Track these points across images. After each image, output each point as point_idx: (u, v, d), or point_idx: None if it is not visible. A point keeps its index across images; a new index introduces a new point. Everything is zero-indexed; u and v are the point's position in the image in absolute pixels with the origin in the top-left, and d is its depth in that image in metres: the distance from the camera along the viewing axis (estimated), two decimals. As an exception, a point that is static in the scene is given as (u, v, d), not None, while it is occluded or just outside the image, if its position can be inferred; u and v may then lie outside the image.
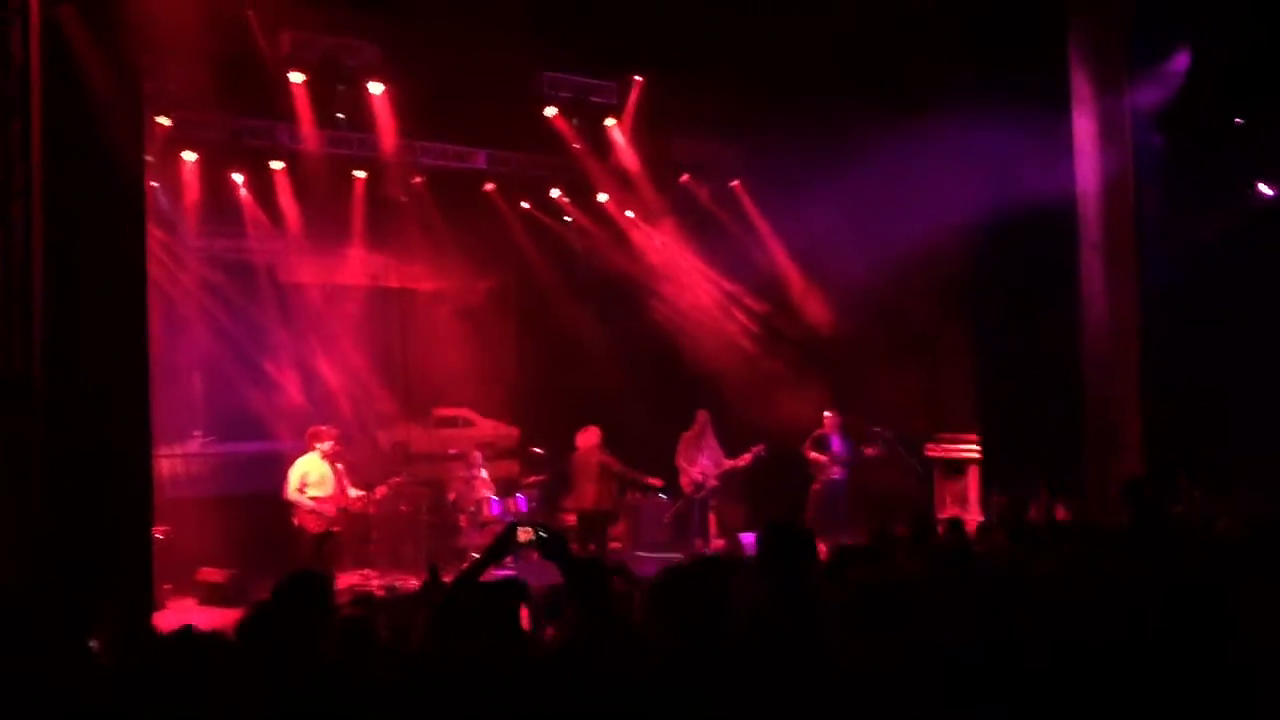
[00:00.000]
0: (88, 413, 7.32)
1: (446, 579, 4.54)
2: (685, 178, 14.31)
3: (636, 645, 3.79)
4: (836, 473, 12.25)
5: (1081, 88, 11.02)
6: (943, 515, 10.75)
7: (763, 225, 14.03)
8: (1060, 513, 7.70)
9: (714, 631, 3.78)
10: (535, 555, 3.90)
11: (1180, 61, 10.85)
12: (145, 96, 8.56)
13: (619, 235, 14.70)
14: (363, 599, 5.91)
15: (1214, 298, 10.68)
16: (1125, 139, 10.89)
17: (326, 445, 10.22)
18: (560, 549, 3.80)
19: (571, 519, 11.63)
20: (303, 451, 10.38)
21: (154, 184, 10.59)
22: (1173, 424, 10.35)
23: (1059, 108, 10.96)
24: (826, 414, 12.43)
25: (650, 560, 11.05)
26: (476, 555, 4.02)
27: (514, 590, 4.00)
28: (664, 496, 13.70)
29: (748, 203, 14.46)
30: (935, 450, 12.56)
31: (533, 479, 13.22)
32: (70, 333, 7.31)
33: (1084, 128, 11.02)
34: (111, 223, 7.65)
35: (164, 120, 10.75)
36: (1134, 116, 10.84)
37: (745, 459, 12.54)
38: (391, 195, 13.42)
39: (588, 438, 11.36)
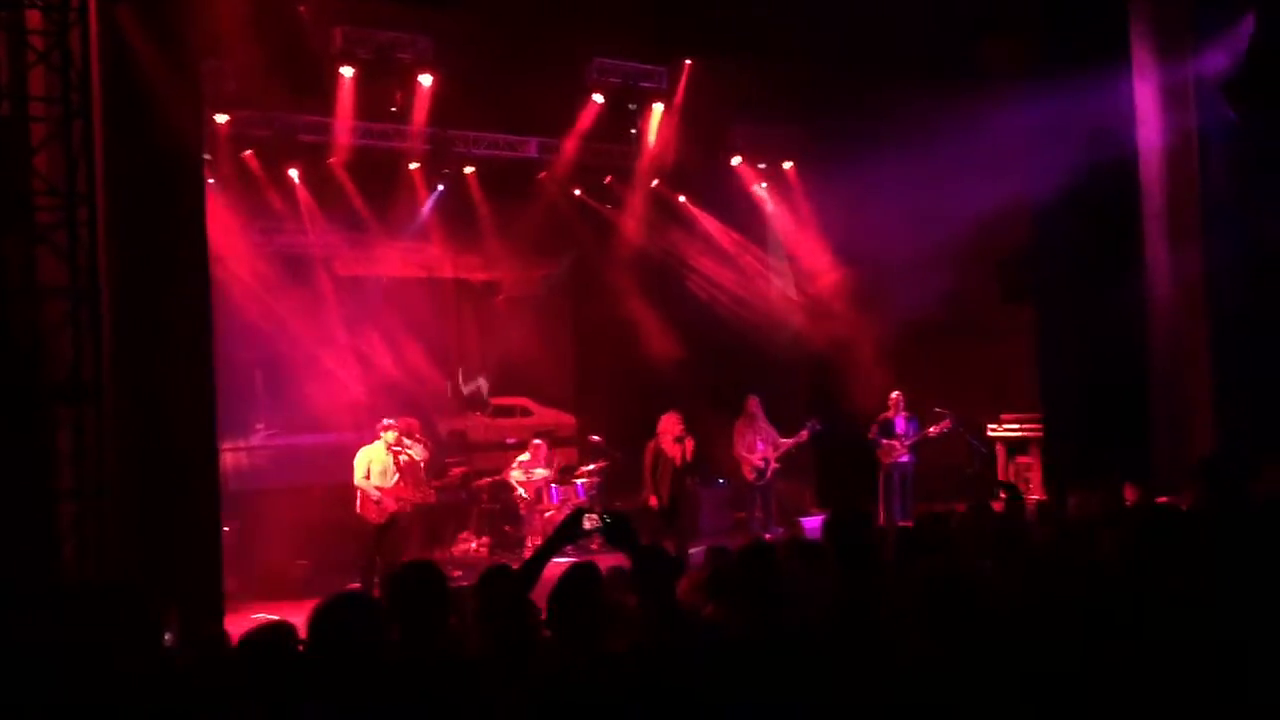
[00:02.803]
0: (156, 413, 7.42)
1: (511, 567, 4.53)
2: (738, 161, 14.23)
3: (702, 632, 3.77)
4: (903, 455, 12.12)
5: (1143, 55, 10.76)
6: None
7: (818, 207, 13.92)
8: (1129, 494, 7.53)
9: (775, 618, 3.76)
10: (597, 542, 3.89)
11: (1246, 26, 10.55)
12: (202, 94, 8.66)
13: (673, 220, 14.66)
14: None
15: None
16: (1189, 107, 10.63)
17: (390, 436, 10.30)
18: (626, 534, 3.78)
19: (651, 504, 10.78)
20: (365, 442, 10.47)
21: (212, 181, 10.73)
22: (1245, 399, 10.09)
23: (1120, 76, 10.71)
24: (892, 395, 12.30)
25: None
26: (538, 543, 4.01)
27: (586, 577, 3.96)
28: (723, 482, 13.67)
29: (802, 184, 14.36)
30: (998, 430, 12.38)
31: (591, 466, 13.25)
32: (137, 334, 7.42)
33: (1146, 96, 10.77)
34: (174, 222, 7.73)
35: (221, 118, 10.89)
36: (1198, 84, 10.57)
37: (802, 435, 12.44)
38: (446, 187, 13.50)
39: (670, 423, 10.79)
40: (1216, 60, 10.51)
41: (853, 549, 4.10)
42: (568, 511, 4.40)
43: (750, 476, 12.44)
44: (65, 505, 6.91)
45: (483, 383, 15.12)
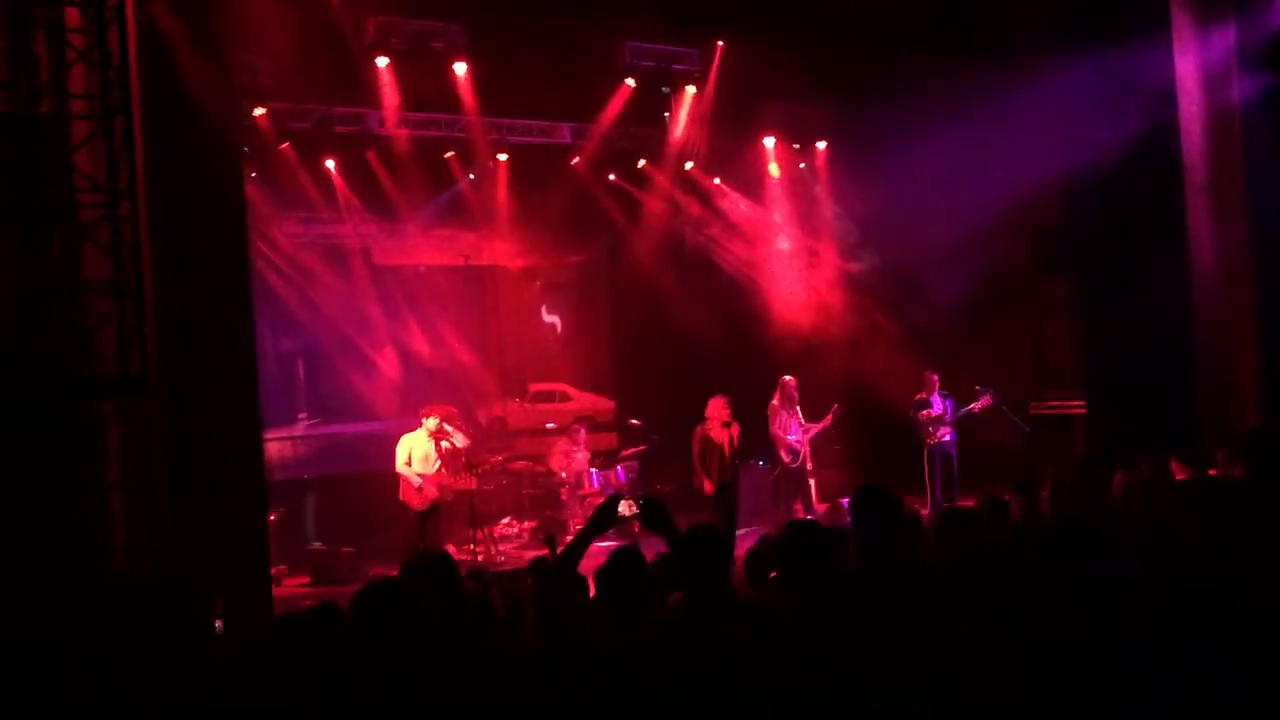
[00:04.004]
0: (202, 403, 7.53)
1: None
2: (772, 141, 14.16)
3: (748, 614, 3.78)
4: (945, 434, 12.05)
5: (1183, 24, 10.60)
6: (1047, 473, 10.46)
7: (852, 185, 13.84)
8: (1175, 469, 7.45)
9: (819, 597, 3.75)
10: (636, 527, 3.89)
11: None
12: (239, 88, 8.74)
13: (707, 202, 14.62)
14: (476, 573, 5.99)
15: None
16: (1231, 76, 10.46)
17: (432, 423, 10.34)
18: (664, 520, 3.79)
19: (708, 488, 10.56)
20: (406, 429, 10.55)
21: (252, 174, 10.82)
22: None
23: (1160, 46, 10.55)
24: (926, 376, 12.22)
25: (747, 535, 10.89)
26: (579, 526, 4.02)
27: (629, 562, 3.99)
28: (763, 464, 13.65)
29: (836, 164, 14.28)
30: (1041, 408, 12.27)
31: (631, 450, 13.27)
32: (182, 326, 7.51)
33: (1186, 66, 10.61)
34: (215, 215, 7.82)
35: (258, 111, 10.98)
36: (1240, 53, 10.39)
37: (826, 421, 12.40)
38: (480, 174, 13.54)
39: (718, 407, 10.57)
40: (1258, 29, 10.33)
41: (879, 527, 4.07)
42: (608, 495, 4.41)
43: (786, 458, 12.41)
44: (115, 497, 7.03)
45: (530, 357, 15.04)
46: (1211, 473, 7.12)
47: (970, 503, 8.04)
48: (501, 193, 13.77)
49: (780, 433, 12.32)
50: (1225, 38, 10.41)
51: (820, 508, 12.25)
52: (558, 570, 4.01)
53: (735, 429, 10.49)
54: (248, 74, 9.87)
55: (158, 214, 7.42)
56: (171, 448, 7.34)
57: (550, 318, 15.60)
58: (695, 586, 3.77)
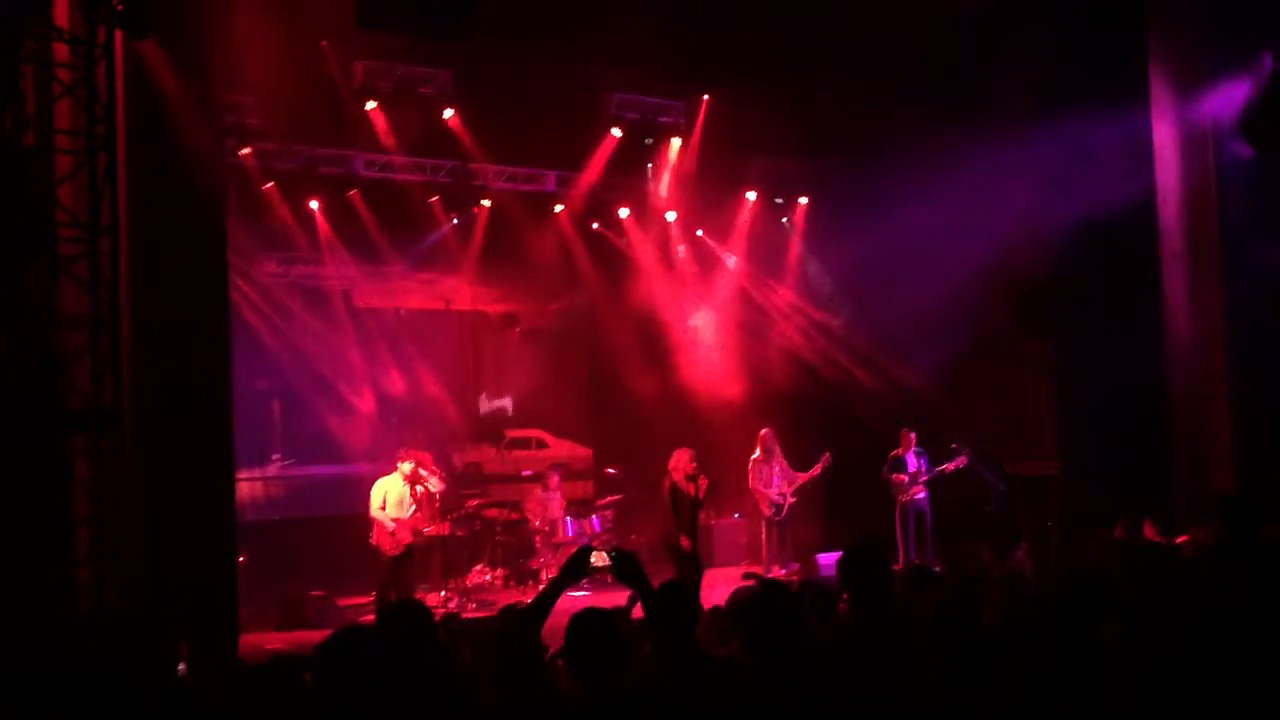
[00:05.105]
0: (174, 442, 7.47)
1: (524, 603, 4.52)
2: (754, 195, 14.27)
3: (717, 672, 3.74)
4: (919, 492, 12.06)
5: (1161, 93, 10.77)
6: (1023, 533, 10.47)
7: (833, 242, 13.93)
8: (1149, 531, 7.48)
9: (791, 657, 3.72)
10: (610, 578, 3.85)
11: (1264, 64, 10.56)
12: (224, 128, 8.76)
13: (690, 254, 14.68)
14: (446, 621, 5.92)
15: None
16: (1207, 145, 10.61)
17: (407, 467, 10.28)
18: (635, 572, 3.76)
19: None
20: (381, 473, 10.48)
21: (235, 213, 10.81)
22: (1265, 439, 10.01)
23: (1139, 114, 10.72)
24: (903, 433, 12.24)
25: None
26: (553, 575, 3.98)
27: (600, 621, 3.95)
28: (738, 516, 13.62)
29: (817, 220, 14.38)
30: (1018, 468, 12.27)
31: (607, 499, 13.22)
32: (156, 364, 7.47)
33: (1164, 134, 10.77)
34: (195, 253, 7.80)
35: (244, 150, 11.00)
36: (1217, 122, 10.57)
37: (815, 470, 12.40)
38: (464, 219, 13.58)
39: (683, 460, 10.39)
40: (1235, 98, 10.51)
41: (868, 585, 4.05)
42: (581, 544, 4.37)
43: (768, 512, 12.38)
44: (83, 531, 6.94)
45: (507, 403, 15.07)
46: (1183, 538, 7.14)
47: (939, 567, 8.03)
48: (484, 238, 13.80)
49: (760, 487, 12.30)
50: (1202, 107, 10.58)
51: (794, 564, 12.20)
52: (526, 620, 3.95)
53: (702, 482, 10.37)
54: (235, 113, 9.92)
55: (138, 249, 7.41)
56: (142, 484, 7.27)
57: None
58: (664, 642, 3.73)
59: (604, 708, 3.28)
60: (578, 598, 8.81)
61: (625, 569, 3.73)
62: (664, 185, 13.49)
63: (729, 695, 3.32)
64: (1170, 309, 10.77)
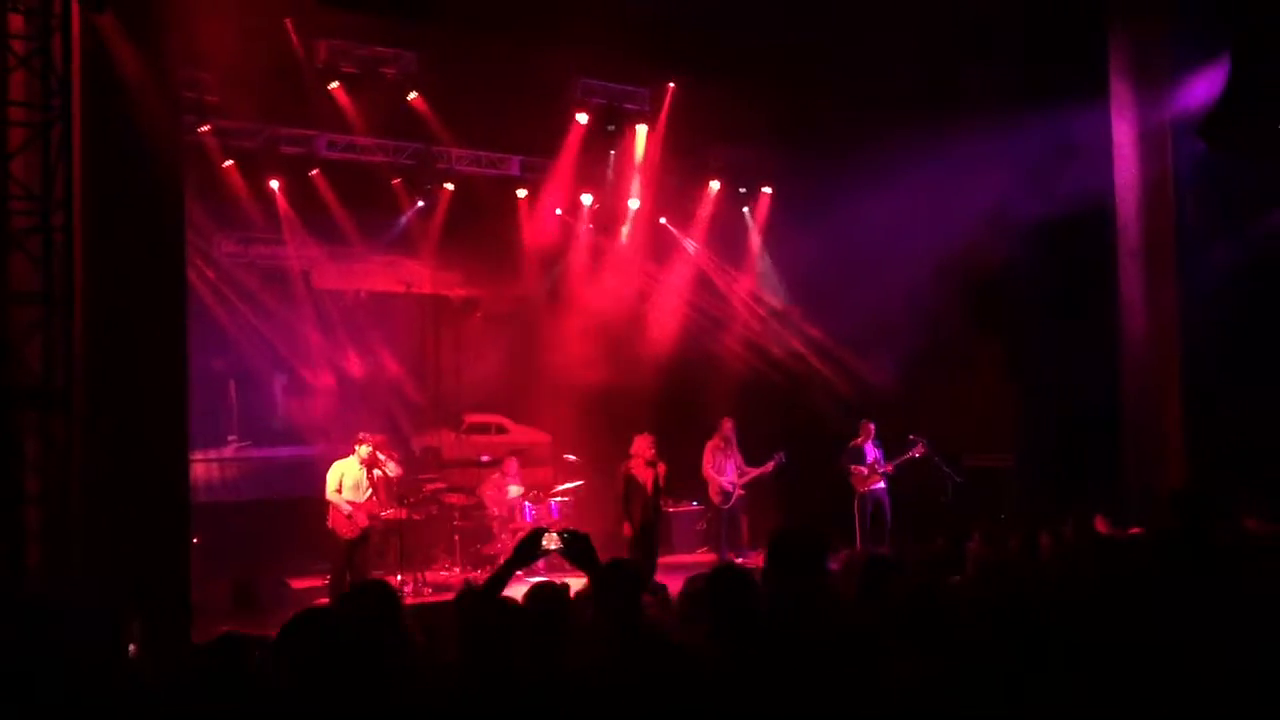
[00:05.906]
0: (127, 422, 7.35)
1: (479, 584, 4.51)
2: (718, 184, 14.28)
3: (669, 654, 3.76)
4: (877, 482, 12.16)
5: (1121, 93, 10.90)
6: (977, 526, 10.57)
7: (795, 233, 13.99)
8: (1100, 525, 7.57)
9: (745, 640, 3.75)
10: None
11: (1222, 68, 10.70)
12: (184, 104, 8.63)
13: (652, 241, 14.69)
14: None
15: (1258, 306, 10.49)
16: (1165, 145, 10.75)
17: (365, 451, 10.22)
18: (585, 554, 3.76)
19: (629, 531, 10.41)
20: (338, 455, 10.41)
21: (192, 192, 10.68)
22: (1217, 436, 10.17)
23: (1098, 113, 10.84)
24: (862, 424, 12.33)
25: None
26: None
27: (552, 597, 3.96)
28: (696, 504, 13.66)
29: (780, 210, 14.43)
30: (973, 461, 12.41)
31: (566, 486, 13.21)
32: (110, 342, 7.35)
33: (1123, 133, 10.90)
34: (151, 230, 7.68)
35: (203, 128, 10.86)
36: (1175, 123, 10.70)
37: (768, 467, 12.48)
38: (426, 202, 13.50)
39: (643, 446, 10.55)
40: (1194, 98, 10.65)
41: (794, 571, 4.06)
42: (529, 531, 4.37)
43: (716, 499, 12.45)
44: (32, 510, 6.84)
45: (466, 388, 14.98)
46: (1134, 531, 7.24)
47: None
48: (447, 222, 13.71)
49: (714, 474, 12.34)
50: (1161, 106, 10.70)
51: (755, 552, 12.26)
52: (482, 596, 3.95)
53: (661, 468, 10.44)
54: (195, 90, 9.78)
55: (92, 225, 7.28)
56: (94, 464, 7.16)
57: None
58: (609, 619, 3.75)
59: (551, 682, 3.30)
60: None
61: (576, 550, 3.74)
62: (629, 172, 13.47)
63: (673, 672, 3.33)
64: (1126, 306, 10.92)
